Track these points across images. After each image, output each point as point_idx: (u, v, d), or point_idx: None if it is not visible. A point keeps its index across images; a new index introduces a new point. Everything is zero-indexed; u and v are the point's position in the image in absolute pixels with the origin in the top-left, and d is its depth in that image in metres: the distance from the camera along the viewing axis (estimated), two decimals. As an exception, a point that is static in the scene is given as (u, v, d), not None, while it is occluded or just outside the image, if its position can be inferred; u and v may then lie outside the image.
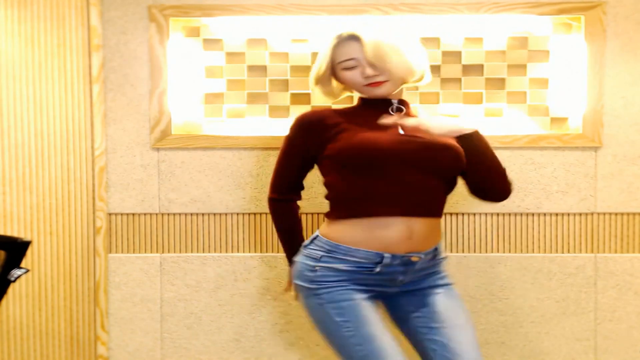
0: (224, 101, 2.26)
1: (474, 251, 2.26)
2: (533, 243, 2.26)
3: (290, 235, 1.79)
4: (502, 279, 2.27)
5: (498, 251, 2.26)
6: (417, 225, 1.61)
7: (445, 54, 2.22)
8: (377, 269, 1.61)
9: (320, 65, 1.73)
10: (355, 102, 1.80)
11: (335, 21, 2.22)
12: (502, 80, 2.23)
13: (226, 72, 2.26)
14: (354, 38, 1.66)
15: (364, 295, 1.62)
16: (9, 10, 2.18)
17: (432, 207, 1.65)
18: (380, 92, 1.68)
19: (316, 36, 2.24)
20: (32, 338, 2.26)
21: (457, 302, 1.68)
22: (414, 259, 1.62)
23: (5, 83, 2.19)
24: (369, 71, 1.65)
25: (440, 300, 1.66)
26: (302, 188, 1.81)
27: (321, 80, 1.76)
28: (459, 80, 2.23)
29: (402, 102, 1.74)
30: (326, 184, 1.70)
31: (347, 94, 1.83)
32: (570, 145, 2.22)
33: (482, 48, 2.23)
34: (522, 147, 2.22)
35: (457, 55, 2.22)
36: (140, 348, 2.31)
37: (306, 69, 2.24)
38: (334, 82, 1.78)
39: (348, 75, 1.68)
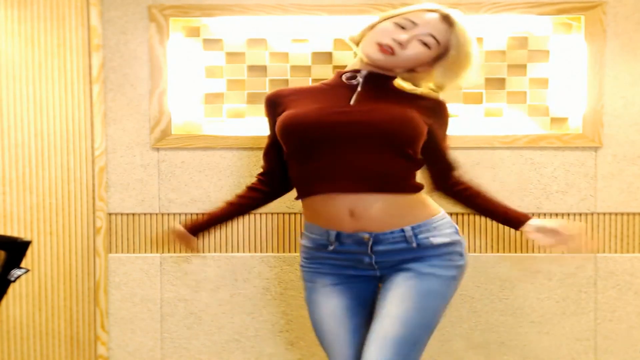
0: (224, 101, 2.26)
1: (474, 251, 2.26)
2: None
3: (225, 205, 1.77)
4: (502, 279, 2.27)
5: (498, 251, 2.26)
6: (362, 202, 1.52)
7: (445, 54, 2.22)
8: (331, 247, 1.58)
9: (390, 11, 1.61)
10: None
11: (335, 21, 2.22)
12: (502, 80, 2.23)
13: (226, 72, 2.26)
14: (445, 18, 1.56)
15: (327, 279, 1.60)
16: (9, 10, 2.18)
17: (379, 183, 1.53)
18: (380, 59, 1.56)
19: (316, 36, 2.24)
20: (32, 338, 2.26)
21: (411, 293, 1.52)
22: (364, 238, 1.54)
23: (5, 83, 2.19)
24: (404, 37, 1.53)
25: (397, 284, 1.54)
26: (279, 176, 1.72)
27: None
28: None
29: (375, 73, 1.60)
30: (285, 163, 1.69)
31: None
32: (570, 145, 2.22)
33: (482, 48, 2.22)
34: (522, 147, 2.22)
35: (457, 55, 2.22)
36: (140, 348, 2.31)
37: (306, 69, 2.24)
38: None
39: (389, 27, 1.55)
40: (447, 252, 1.59)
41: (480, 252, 2.26)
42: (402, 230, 1.55)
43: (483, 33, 2.22)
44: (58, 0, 2.20)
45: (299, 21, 2.23)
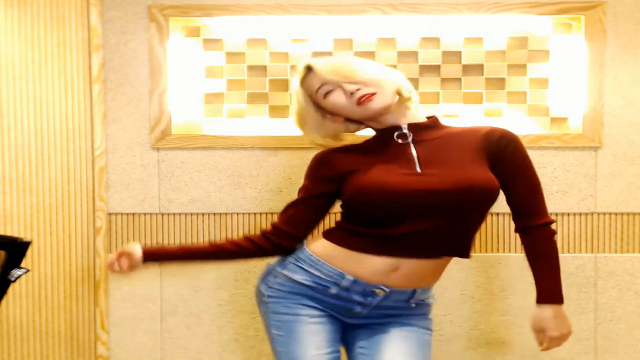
0: (224, 101, 2.26)
1: (474, 251, 2.26)
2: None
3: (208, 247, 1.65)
4: (502, 279, 2.26)
5: (498, 251, 2.26)
6: (408, 263, 1.50)
7: (445, 54, 2.22)
8: (333, 290, 1.54)
9: (299, 104, 1.61)
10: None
11: (335, 21, 2.22)
12: (502, 80, 2.23)
13: (226, 72, 2.26)
14: (310, 69, 1.57)
15: (313, 313, 1.55)
16: (9, 10, 2.18)
17: (457, 249, 1.53)
18: (375, 106, 1.51)
19: (316, 36, 2.24)
20: (32, 338, 2.25)
21: (414, 349, 1.54)
22: (378, 292, 1.52)
23: (5, 83, 2.18)
24: (350, 87, 1.51)
25: (395, 339, 1.54)
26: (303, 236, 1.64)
27: (309, 121, 1.62)
28: (459, 80, 2.23)
29: (414, 124, 1.57)
30: (341, 210, 1.62)
31: (352, 128, 1.66)
32: (570, 145, 2.22)
33: (482, 48, 2.22)
34: (522, 147, 2.22)
35: (457, 55, 2.22)
36: (140, 348, 2.31)
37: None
38: (327, 121, 1.61)
39: (331, 99, 1.54)
40: (430, 309, 1.64)
41: (480, 252, 2.26)
42: (414, 291, 1.55)
43: (483, 33, 2.22)
44: (58, 0, 2.20)
45: (299, 21, 2.23)
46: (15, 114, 2.20)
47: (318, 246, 1.59)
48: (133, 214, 2.28)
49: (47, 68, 2.21)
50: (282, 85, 2.25)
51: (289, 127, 2.24)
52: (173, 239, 2.28)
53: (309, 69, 1.58)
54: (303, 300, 1.56)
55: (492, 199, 1.52)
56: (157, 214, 2.28)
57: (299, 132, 1.69)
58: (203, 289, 2.29)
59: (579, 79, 2.21)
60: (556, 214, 2.24)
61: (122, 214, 2.28)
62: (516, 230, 1.60)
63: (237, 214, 2.27)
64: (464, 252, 1.56)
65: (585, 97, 2.20)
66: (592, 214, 2.25)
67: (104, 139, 2.25)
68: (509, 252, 2.26)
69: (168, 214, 2.28)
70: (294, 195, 1.68)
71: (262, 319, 1.68)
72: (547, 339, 1.57)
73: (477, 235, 2.25)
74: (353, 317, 1.58)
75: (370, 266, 1.51)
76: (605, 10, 2.18)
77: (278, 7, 2.20)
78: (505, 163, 1.53)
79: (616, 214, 2.25)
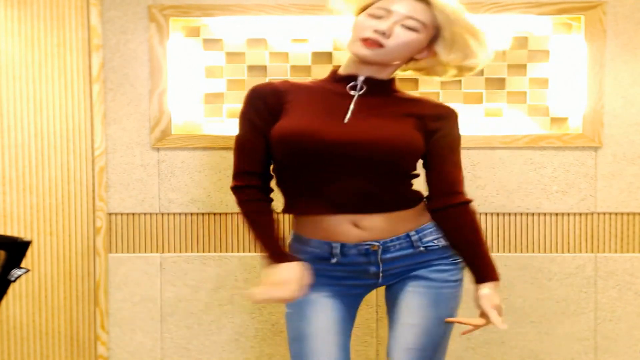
0: (224, 101, 2.26)
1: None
2: (533, 243, 2.26)
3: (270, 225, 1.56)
4: (502, 279, 2.25)
5: (498, 251, 2.26)
6: (366, 220, 1.48)
7: (445, 54, 2.22)
8: (334, 260, 1.51)
9: (358, 1, 1.50)
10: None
11: (335, 21, 2.21)
12: (502, 80, 2.23)
13: (226, 72, 2.26)
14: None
15: (324, 290, 1.53)
16: (9, 10, 2.18)
17: (378, 204, 1.49)
18: (369, 55, 1.44)
19: (316, 36, 2.23)
20: (32, 338, 2.26)
21: (427, 301, 1.53)
22: (372, 247, 1.49)
23: (5, 83, 2.18)
24: (384, 26, 1.41)
25: (409, 292, 1.54)
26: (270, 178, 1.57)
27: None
28: (459, 80, 2.23)
29: (373, 79, 1.50)
30: (273, 171, 1.57)
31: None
32: (570, 145, 2.22)
33: (482, 48, 2.22)
34: (522, 147, 2.22)
35: (457, 55, 2.22)
36: (140, 348, 2.31)
37: (306, 69, 2.24)
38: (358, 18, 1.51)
39: (365, 21, 1.44)
40: (452, 254, 1.59)
41: (480, 252, 2.26)
42: (408, 235, 1.53)
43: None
44: (58, 0, 2.20)
45: (299, 21, 2.23)
46: (15, 114, 2.20)
47: (296, 223, 1.60)
48: (133, 214, 2.28)
49: (47, 68, 2.21)
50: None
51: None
52: (173, 239, 2.28)
53: None
54: (317, 280, 1.52)
55: (410, 154, 1.49)
56: (157, 214, 2.28)
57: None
58: (203, 289, 2.29)
59: (579, 79, 2.22)
60: (556, 214, 2.25)
61: (122, 214, 2.28)
62: (433, 209, 1.56)
63: (237, 214, 2.27)
64: (400, 207, 1.52)
65: (585, 97, 2.20)
66: (592, 214, 2.25)
67: (104, 139, 2.25)
68: (509, 251, 2.26)
69: (168, 214, 2.28)
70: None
71: None
72: (497, 313, 1.54)
73: (477, 235, 2.26)
74: (373, 278, 1.55)
75: (333, 228, 1.49)
76: (605, 10, 2.18)
77: (278, 7, 2.20)
78: (439, 138, 1.52)
79: (616, 214, 2.25)
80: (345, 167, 1.45)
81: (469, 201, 1.57)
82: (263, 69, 2.25)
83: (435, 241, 1.56)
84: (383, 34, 1.42)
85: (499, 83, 2.23)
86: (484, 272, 1.57)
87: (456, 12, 1.49)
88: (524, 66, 2.23)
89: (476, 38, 1.52)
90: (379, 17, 1.44)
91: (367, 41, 1.43)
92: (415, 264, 1.55)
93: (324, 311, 1.53)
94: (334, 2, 1.58)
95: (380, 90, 1.52)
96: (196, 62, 2.25)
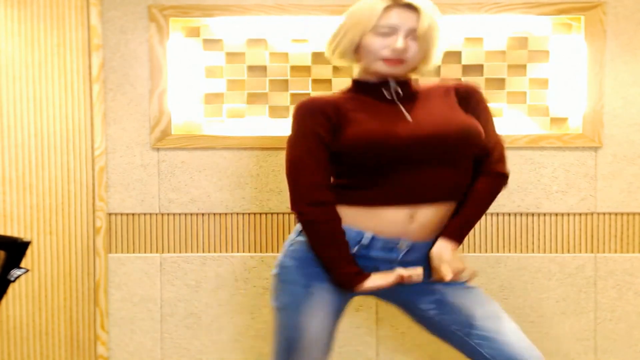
0: (224, 101, 2.26)
1: (474, 251, 2.26)
2: (533, 243, 2.26)
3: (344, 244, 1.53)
4: (502, 279, 2.27)
5: (498, 251, 2.26)
6: (422, 211, 1.52)
7: (445, 54, 2.20)
8: (353, 250, 1.52)
9: (362, 25, 1.53)
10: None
11: (335, 21, 2.22)
12: (502, 80, 2.23)
13: (226, 72, 2.26)
14: (408, 7, 1.52)
15: (325, 283, 1.54)
16: (9, 10, 2.18)
17: (458, 193, 1.56)
18: (395, 71, 1.54)
19: (316, 36, 2.24)
20: (32, 338, 2.26)
21: (474, 293, 1.57)
22: (400, 245, 1.52)
23: (5, 83, 2.19)
24: (400, 44, 1.50)
25: (454, 293, 1.56)
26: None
27: (348, 49, 1.57)
28: (459, 80, 2.23)
29: (401, 81, 1.59)
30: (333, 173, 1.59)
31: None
32: (570, 145, 2.22)
33: (482, 48, 2.23)
34: (522, 147, 2.22)
35: (457, 55, 2.22)
36: (140, 348, 2.31)
37: (306, 69, 2.24)
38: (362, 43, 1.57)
39: (376, 41, 1.52)
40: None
41: (480, 252, 2.26)
42: (434, 242, 1.56)
43: (483, 33, 2.22)
44: (58, 0, 2.20)
45: (299, 21, 2.23)
46: (15, 114, 2.20)
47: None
48: (133, 214, 2.28)
49: (47, 68, 2.21)
50: (282, 85, 2.25)
51: (289, 127, 2.24)
52: (173, 239, 2.28)
53: (408, 6, 1.53)
54: (315, 268, 1.54)
55: (480, 139, 1.56)
56: (157, 214, 2.28)
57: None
58: (203, 289, 2.29)
59: (579, 79, 2.22)
60: (556, 214, 2.25)
61: (122, 214, 2.28)
62: (475, 174, 1.60)
63: (237, 214, 2.27)
64: (463, 194, 1.57)
65: (585, 97, 2.20)
66: (592, 214, 2.25)
67: (104, 139, 2.25)
68: (509, 252, 2.26)
69: (168, 214, 2.28)
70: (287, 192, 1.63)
71: (273, 289, 1.65)
72: (451, 270, 1.51)
73: (478, 236, 2.26)
74: None
75: (387, 219, 1.51)
76: (605, 10, 2.18)
77: (278, 7, 2.20)
78: (472, 111, 1.59)
79: (616, 214, 2.25)
80: (421, 161, 1.50)
81: (503, 174, 1.60)
82: (263, 69, 2.25)
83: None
84: (403, 51, 1.52)
85: (499, 83, 2.23)
86: (457, 230, 1.56)
87: (434, 22, 1.57)
88: (524, 66, 2.23)
89: (438, 45, 1.60)
90: (386, 35, 1.52)
91: (389, 61, 1.53)
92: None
93: (325, 304, 1.55)
94: (332, 51, 1.63)
95: (410, 89, 1.61)
96: (196, 62, 2.25)
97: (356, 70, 1.65)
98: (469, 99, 1.60)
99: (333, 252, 1.51)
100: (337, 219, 1.52)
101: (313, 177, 1.52)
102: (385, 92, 1.58)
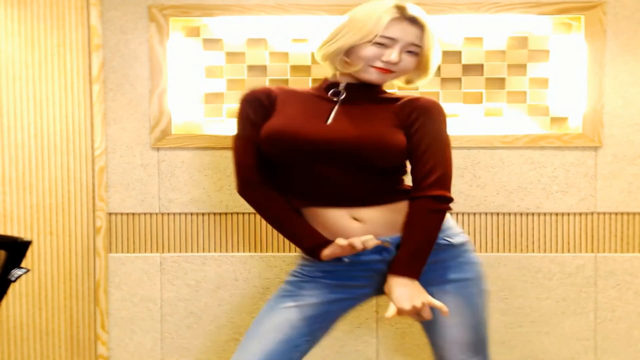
0: (224, 101, 2.26)
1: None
2: (533, 243, 2.26)
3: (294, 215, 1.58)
4: (502, 279, 2.27)
5: (498, 251, 2.26)
6: (362, 212, 1.52)
7: (445, 53, 2.22)
8: (347, 259, 1.53)
9: (364, 32, 1.52)
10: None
11: (335, 21, 2.22)
12: (502, 80, 2.23)
13: (226, 72, 2.26)
14: (414, 21, 1.54)
15: (335, 294, 1.56)
16: (9, 10, 2.18)
17: (362, 199, 1.53)
18: (381, 79, 1.57)
19: (316, 36, 2.23)
20: (32, 338, 2.26)
21: (460, 301, 1.56)
22: (385, 244, 1.51)
23: (5, 83, 2.19)
24: (395, 57, 1.52)
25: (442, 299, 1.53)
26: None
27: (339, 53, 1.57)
28: (459, 80, 2.23)
29: (357, 84, 1.59)
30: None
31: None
32: (570, 145, 2.22)
33: (482, 48, 2.23)
34: (522, 147, 2.22)
35: (457, 55, 2.22)
36: (140, 348, 2.31)
37: (306, 69, 2.24)
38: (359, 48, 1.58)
39: (371, 50, 1.52)
40: (466, 250, 1.61)
41: (480, 252, 2.26)
42: None
43: (483, 33, 2.22)
44: (58, 0, 2.20)
45: (299, 21, 2.23)
46: (15, 114, 2.20)
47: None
48: (133, 214, 2.28)
49: (47, 68, 2.21)
50: (282, 85, 2.25)
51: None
52: (173, 239, 2.28)
53: (413, 20, 1.54)
54: (320, 279, 1.57)
55: (387, 152, 1.52)
56: (157, 214, 2.28)
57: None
58: (203, 289, 2.29)
59: (579, 79, 2.22)
60: (556, 214, 2.25)
61: (122, 214, 2.28)
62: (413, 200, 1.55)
63: (237, 214, 2.27)
64: (392, 199, 1.55)
65: (585, 97, 2.20)
66: (592, 213, 2.25)
67: (104, 139, 2.25)
68: (509, 252, 2.26)
69: (168, 214, 2.28)
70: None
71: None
72: (397, 310, 1.47)
73: (478, 236, 2.26)
74: (383, 280, 1.55)
75: (334, 223, 1.53)
76: (605, 10, 2.18)
77: (278, 7, 2.20)
78: (414, 132, 1.54)
79: (616, 214, 2.25)
80: (329, 164, 1.51)
81: (427, 196, 1.51)
82: (263, 69, 2.25)
83: (447, 238, 1.57)
84: (395, 64, 1.54)
85: (499, 83, 2.23)
86: (400, 264, 1.50)
87: (435, 40, 1.58)
88: (524, 66, 2.23)
89: (435, 61, 1.61)
90: (383, 45, 1.53)
91: (380, 69, 1.54)
92: (434, 265, 1.54)
93: (299, 311, 1.55)
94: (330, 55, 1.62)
95: (364, 94, 1.60)
96: (196, 62, 2.25)
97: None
98: (415, 117, 1.55)
99: (285, 230, 1.59)
100: (276, 197, 1.57)
101: (244, 159, 1.58)
102: (331, 92, 1.60)
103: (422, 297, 1.46)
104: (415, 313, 1.46)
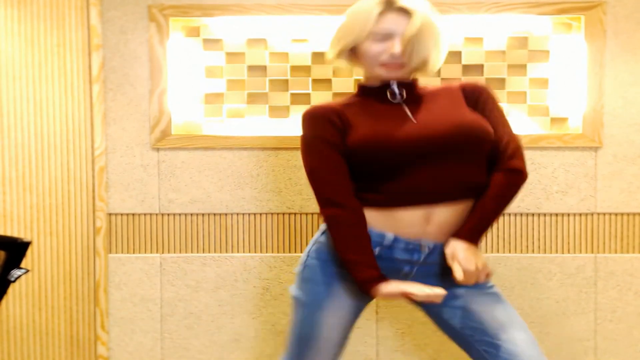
0: (224, 101, 2.26)
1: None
2: (533, 243, 2.26)
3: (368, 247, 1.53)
4: (502, 279, 2.26)
5: (498, 251, 2.26)
6: (438, 212, 1.52)
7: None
8: (376, 251, 1.52)
9: (357, 30, 1.53)
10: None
11: (335, 21, 2.22)
12: (502, 80, 2.23)
13: (226, 72, 2.26)
14: (402, 11, 1.52)
15: (347, 284, 1.56)
16: (9, 10, 2.18)
17: (458, 192, 1.53)
18: (394, 75, 1.56)
19: (316, 36, 2.24)
20: (32, 338, 2.26)
21: (494, 300, 1.55)
22: (422, 247, 1.53)
23: (5, 83, 2.19)
24: (398, 49, 1.52)
25: (472, 299, 1.54)
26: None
27: (346, 51, 1.58)
28: (459, 80, 2.23)
29: (404, 83, 1.59)
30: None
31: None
32: (570, 145, 2.22)
33: (482, 48, 2.22)
34: (522, 147, 2.22)
35: (457, 55, 2.22)
36: (140, 348, 2.31)
37: (306, 69, 2.24)
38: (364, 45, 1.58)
39: (373, 47, 1.53)
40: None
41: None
42: None
43: (483, 33, 2.22)
44: (58, 0, 2.20)
45: (299, 21, 2.23)
46: (15, 114, 2.20)
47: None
48: (133, 214, 2.28)
49: (47, 68, 2.21)
50: (282, 85, 2.25)
51: (289, 127, 2.24)
52: (173, 239, 2.28)
53: (401, 10, 1.52)
54: (341, 269, 1.56)
55: (489, 136, 1.55)
56: (157, 214, 2.28)
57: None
58: (203, 289, 2.29)
59: (579, 79, 2.21)
60: (556, 214, 2.24)
61: (122, 214, 2.28)
62: (492, 173, 1.57)
63: (237, 214, 2.27)
64: (480, 191, 1.55)
65: (585, 97, 2.20)
66: (592, 214, 2.25)
67: (104, 139, 2.25)
68: (509, 252, 2.26)
69: (168, 214, 2.28)
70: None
71: (296, 285, 1.67)
72: (463, 271, 1.48)
73: (477, 236, 2.25)
74: (400, 278, 1.55)
75: (403, 221, 1.52)
76: (605, 10, 2.18)
77: (278, 7, 2.20)
78: (481, 110, 1.58)
79: (616, 214, 2.25)
80: (427, 161, 1.50)
81: (508, 169, 1.54)
82: (263, 69, 2.25)
83: None
84: (399, 56, 1.52)
85: (499, 83, 2.23)
86: (468, 231, 1.53)
87: (432, 21, 1.56)
88: (524, 66, 2.23)
89: (438, 46, 1.58)
90: (382, 40, 1.53)
91: (388, 66, 1.55)
92: (442, 275, 1.56)
93: (342, 307, 1.58)
94: (333, 50, 1.63)
95: (414, 90, 1.61)
96: (196, 62, 2.25)
97: (359, 73, 1.66)
98: (476, 98, 1.60)
99: (355, 255, 1.51)
100: (361, 222, 1.53)
101: (330, 182, 1.54)
102: (389, 95, 1.58)
103: (482, 260, 1.51)
104: (476, 276, 1.49)
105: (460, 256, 1.49)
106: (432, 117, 1.54)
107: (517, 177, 1.56)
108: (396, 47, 1.52)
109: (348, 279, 1.55)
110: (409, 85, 1.60)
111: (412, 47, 1.53)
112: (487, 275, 1.52)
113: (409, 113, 1.56)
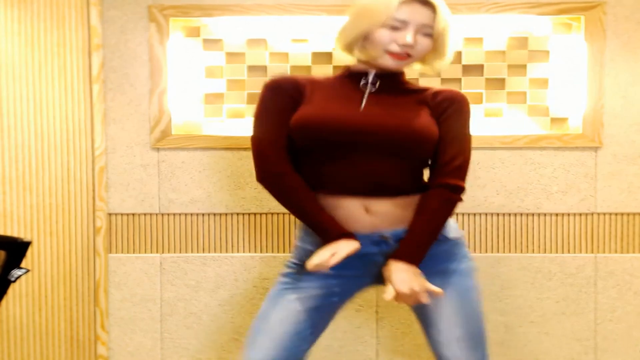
0: (224, 101, 2.26)
1: (474, 251, 2.26)
2: (533, 243, 2.26)
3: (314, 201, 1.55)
4: (502, 279, 2.27)
5: (498, 251, 2.26)
6: (376, 204, 1.53)
7: (445, 54, 2.22)
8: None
9: (376, 16, 1.52)
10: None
11: (335, 21, 2.22)
12: (502, 80, 2.23)
13: (226, 72, 2.26)
14: (424, 3, 1.52)
15: (311, 287, 1.57)
16: (9, 10, 2.18)
17: (389, 189, 1.54)
18: (397, 65, 1.56)
19: (316, 36, 2.24)
20: (32, 338, 2.26)
21: (454, 293, 1.57)
22: (385, 237, 1.54)
23: (5, 83, 2.19)
24: (410, 39, 1.51)
25: (447, 297, 1.55)
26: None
27: (358, 39, 1.56)
28: (459, 80, 2.23)
29: (386, 74, 1.59)
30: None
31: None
32: (570, 145, 2.22)
33: (482, 48, 2.23)
34: (522, 147, 2.22)
35: (457, 55, 2.22)
36: (140, 348, 2.31)
37: (306, 69, 2.24)
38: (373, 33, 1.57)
39: (385, 34, 1.52)
40: (460, 244, 1.64)
41: (480, 252, 2.26)
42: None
43: (483, 33, 2.22)
44: (58, 0, 2.20)
45: (299, 21, 2.23)
46: (15, 114, 2.20)
47: None
48: (133, 214, 2.28)
49: (47, 68, 2.21)
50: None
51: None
52: (173, 239, 2.28)
53: (424, 3, 1.52)
54: (314, 273, 1.55)
55: (426, 144, 1.54)
56: (157, 214, 2.28)
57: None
58: (203, 289, 2.29)
59: (579, 79, 2.22)
60: (556, 214, 2.25)
61: (122, 214, 2.28)
62: (428, 186, 1.58)
63: (237, 214, 2.27)
64: (409, 191, 1.56)
65: (585, 97, 2.20)
66: (592, 214, 2.25)
67: (104, 139, 2.25)
68: (509, 252, 2.26)
69: (168, 214, 2.28)
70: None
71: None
72: (397, 293, 1.48)
73: (477, 236, 2.26)
74: (378, 271, 1.56)
75: (347, 212, 1.54)
76: (605, 10, 2.18)
77: (278, 7, 2.20)
78: (441, 123, 1.58)
79: (616, 214, 2.25)
80: (361, 152, 1.51)
81: (443, 184, 1.54)
82: (263, 69, 2.25)
83: (446, 234, 1.59)
84: (411, 47, 1.52)
85: (499, 83, 2.23)
86: (398, 250, 1.52)
87: (449, 21, 1.57)
88: (524, 66, 2.23)
89: (450, 43, 1.60)
90: (396, 28, 1.52)
91: (395, 55, 1.54)
92: (429, 260, 1.55)
93: (300, 304, 1.57)
94: (342, 41, 1.62)
95: (392, 84, 1.60)
96: (196, 62, 2.25)
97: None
98: (445, 108, 1.58)
99: (308, 218, 1.55)
100: (301, 186, 1.54)
101: (267, 148, 1.56)
102: (362, 81, 1.59)
103: (420, 282, 1.48)
104: (413, 298, 1.47)
105: (394, 278, 1.47)
106: (380, 112, 1.54)
107: (453, 194, 1.54)
108: (408, 37, 1.51)
109: (315, 280, 1.57)
110: (389, 77, 1.60)
111: (426, 40, 1.53)
112: (435, 294, 1.49)
113: (363, 102, 1.56)
